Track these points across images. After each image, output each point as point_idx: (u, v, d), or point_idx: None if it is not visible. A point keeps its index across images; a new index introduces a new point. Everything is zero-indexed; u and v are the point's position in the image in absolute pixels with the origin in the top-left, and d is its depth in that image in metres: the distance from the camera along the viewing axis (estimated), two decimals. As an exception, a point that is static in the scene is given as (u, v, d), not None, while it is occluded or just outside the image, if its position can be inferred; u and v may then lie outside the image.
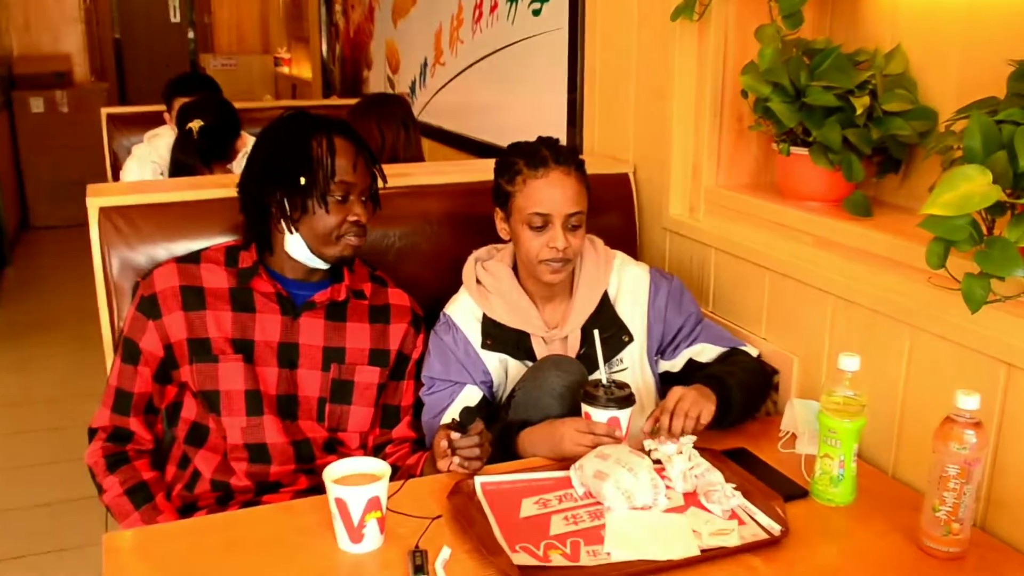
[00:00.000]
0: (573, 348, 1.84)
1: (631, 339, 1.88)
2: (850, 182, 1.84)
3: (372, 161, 1.77)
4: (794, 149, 1.91)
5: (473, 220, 2.08)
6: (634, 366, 1.88)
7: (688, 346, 1.90)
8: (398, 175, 2.25)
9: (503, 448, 1.70)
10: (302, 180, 1.69)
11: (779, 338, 1.94)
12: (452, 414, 1.79)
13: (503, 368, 1.86)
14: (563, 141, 2.72)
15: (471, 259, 1.94)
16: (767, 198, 2.01)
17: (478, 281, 1.88)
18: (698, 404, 1.64)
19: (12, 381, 4.35)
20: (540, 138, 1.85)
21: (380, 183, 1.81)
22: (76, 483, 3.35)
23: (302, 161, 1.69)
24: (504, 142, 3.33)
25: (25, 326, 5.08)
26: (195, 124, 3.08)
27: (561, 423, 1.67)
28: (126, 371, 1.75)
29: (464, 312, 1.87)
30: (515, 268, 1.88)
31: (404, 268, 2.08)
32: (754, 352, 1.91)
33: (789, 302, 1.90)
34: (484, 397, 1.85)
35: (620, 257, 1.95)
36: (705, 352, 1.90)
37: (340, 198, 1.70)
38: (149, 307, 1.74)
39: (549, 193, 1.76)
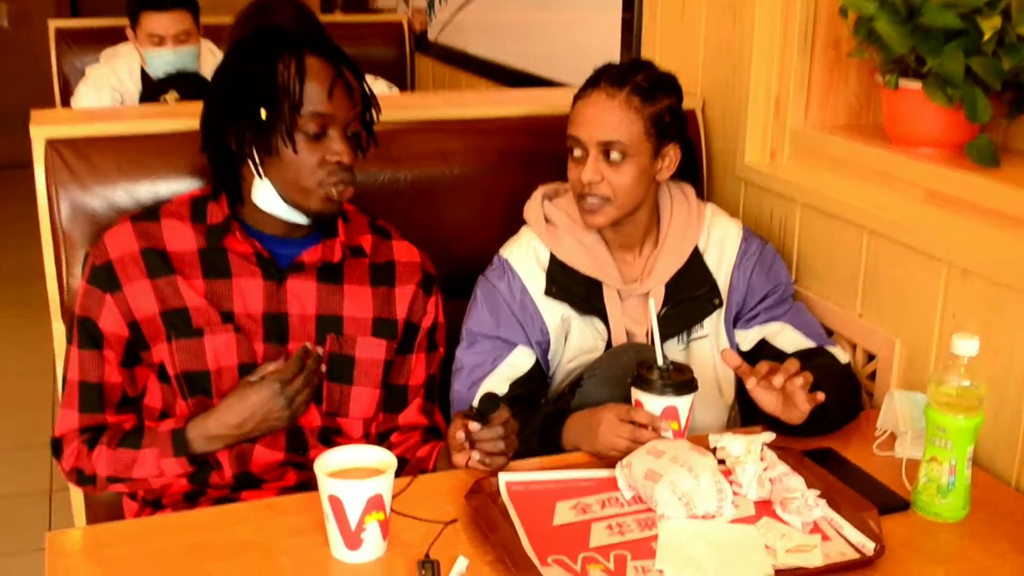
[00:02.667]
0: (654, 307, 1.82)
1: (721, 303, 1.92)
2: (973, 123, 1.82)
3: (359, 84, 1.75)
4: (903, 82, 1.89)
5: (505, 162, 2.08)
6: (714, 336, 1.92)
7: (767, 321, 1.92)
8: (409, 106, 2.25)
9: (550, 440, 1.72)
10: (263, 113, 1.67)
11: (877, 315, 1.93)
12: (493, 384, 1.82)
13: (564, 328, 1.89)
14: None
15: (537, 195, 1.97)
16: (868, 142, 2.00)
17: (546, 219, 1.92)
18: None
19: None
20: (632, 58, 1.92)
21: (374, 114, 1.78)
22: (9, 479, 3.39)
23: (264, 88, 1.66)
24: (542, 70, 3.39)
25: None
26: (171, 96, 3.10)
27: (603, 408, 1.68)
28: (88, 359, 1.74)
29: (525, 255, 1.91)
30: None
31: (415, 219, 2.08)
32: (843, 358, 1.91)
33: (892, 270, 1.88)
34: (537, 363, 1.87)
35: (711, 208, 1.99)
36: (784, 336, 1.91)
37: (314, 132, 1.67)
38: (105, 278, 1.73)
39: (585, 115, 1.82)
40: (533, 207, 1.95)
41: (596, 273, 1.88)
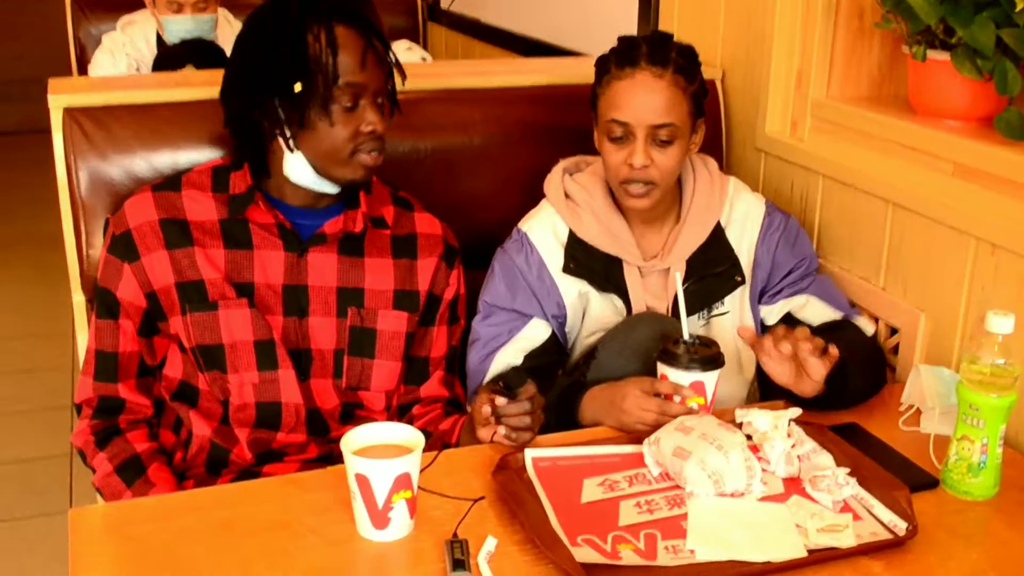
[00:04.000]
0: (674, 285, 1.76)
1: (743, 280, 1.84)
2: (1003, 95, 1.73)
3: (385, 51, 1.67)
4: (931, 53, 1.81)
5: (525, 132, 2.01)
6: (736, 312, 1.85)
7: (792, 295, 1.85)
8: (429, 75, 2.18)
9: (567, 414, 1.65)
10: (297, 87, 1.59)
11: (902, 289, 1.86)
12: (509, 355, 1.76)
13: (582, 303, 1.82)
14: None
15: (557, 169, 1.89)
16: (893, 114, 1.91)
17: (566, 195, 1.84)
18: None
19: (-41, 315, 4.36)
20: (652, 32, 1.80)
21: (398, 80, 1.71)
22: (35, 438, 3.35)
23: (296, 62, 1.58)
24: (557, 39, 3.30)
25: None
26: (188, 70, 3.02)
27: (626, 382, 1.62)
28: (104, 328, 1.68)
29: (544, 230, 1.84)
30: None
31: (435, 188, 2.01)
32: (869, 329, 1.85)
33: (917, 244, 1.81)
34: (553, 336, 1.81)
35: (734, 182, 1.91)
36: (810, 309, 1.84)
37: (348, 105, 1.61)
38: (123, 247, 1.66)
39: (631, 97, 1.71)
40: (553, 182, 1.87)
41: (616, 251, 1.81)
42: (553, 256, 1.82)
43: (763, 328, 1.86)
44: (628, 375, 1.66)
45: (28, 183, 5.73)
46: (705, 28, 2.36)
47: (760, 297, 1.87)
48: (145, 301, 1.67)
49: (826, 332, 1.73)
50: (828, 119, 2.04)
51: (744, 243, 1.86)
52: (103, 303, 1.68)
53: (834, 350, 1.56)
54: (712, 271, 1.82)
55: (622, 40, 1.78)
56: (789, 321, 1.82)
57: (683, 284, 1.75)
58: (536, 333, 1.80)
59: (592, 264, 1.81)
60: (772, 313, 1.86)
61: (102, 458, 1.68)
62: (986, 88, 1.77)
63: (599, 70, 1.77)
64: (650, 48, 1.72)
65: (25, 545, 2.84)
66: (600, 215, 1.81)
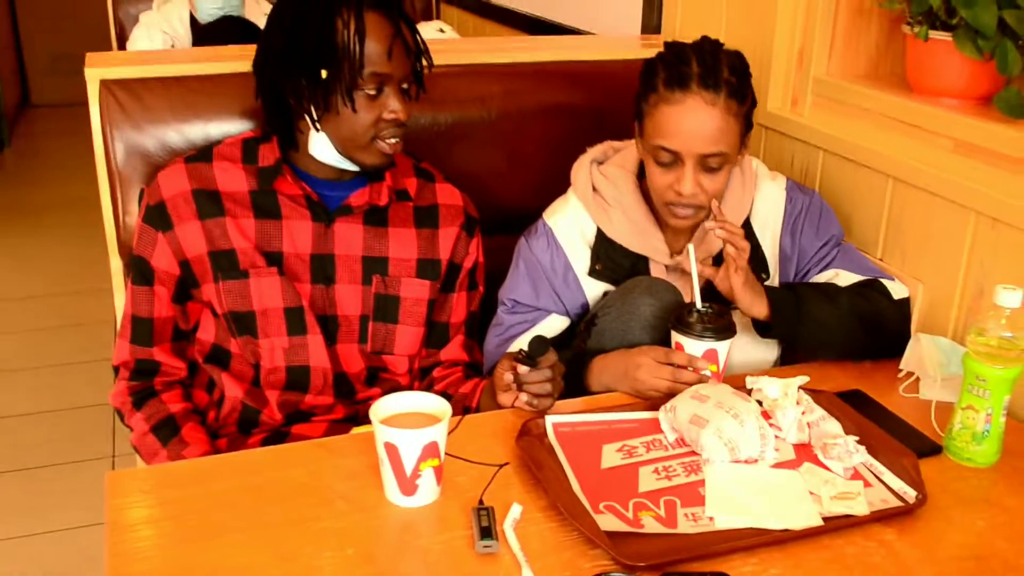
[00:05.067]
0: (699, 281, 1.57)
1: (768, 276, 1.66)
2: (1003, 74, 1.60)
3: (413, 37, 1.52)
4: (932, 33, 1.67)
5: (541, 107, 1.88)
6: None
7: (820, 271, 1.68)
8: (449, 51, 2.04)
9: (574, 380, 1.52)
10: (323, 73, 1.45)
11: (900, 260, 1.73)
12: (525, 341, 1.60)
13: None
14: (637, 18, 2.51)
15: (585, 160, 1.69)
16: (893, 92, 1.78)
17: (594, 189, 1.64)
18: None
19: (7, 274, 4.23)
20: (700, 41, 1.53)
21: (424, 65, 1.56)
22: (77, 390, 3.25)
23: (323, 48, 1.44)
24: (562, 17, 3.13)
25: (24, 213, 4.95)
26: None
27: (639, 351, 1.49)
28: (139, 294, 1.57)
29: (571, 227, 1.64)
30: (639, 174, 1.64)
31: (454, 160, 1.87)
32: (902, 291, 1.65)
33: (917, 217, 1.68)
34: (571, 325, 1.66)
35: (757, 168, 1.70)
36: (840, 279, 1.66)
37: (372, 92, 1.47)
38: (157, 217, 1.54)
39: (680, 124, 1.48)
40: (581, 174, 1.66)
41: (644, 250, 1.62)
42: (580, 257, 1.64)
43: None
44: (628, 341, 1.53)
45: (74, 150, 5.56)
46: (707, 7, 2.21)
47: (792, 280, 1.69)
48: (179, 269, 1.55)
49: (854, 289, 1.61)
50: (829, 96, 1.90)
51: (768, 232, 1.67)
52: (139, 270, 1.56)
53: (741, 243, 1.46)
54: None
55: (670, 51, 1.53)
56: None
57: (707, 282, 1.59)
58: (555, 324, 1.65)
59: (618, 265, 1.63)
60: None
61: (139, 418, 1.57)
62: (984, 68, 1.64)
63: (645, 83, 1.53)
64: (702, 68, 1.47)
65: (72, 487, 2.74)
66: (629, 213, 1.62)
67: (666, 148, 1.49)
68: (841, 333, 1.56)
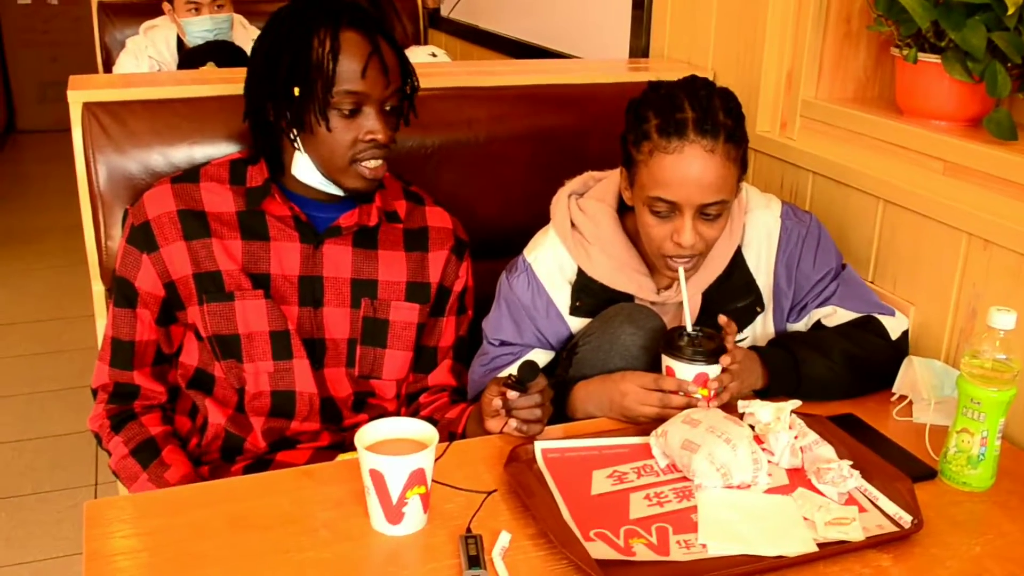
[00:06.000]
0: (692, 316, 1.53)
1: (763, 309, 1.61)
2: (992, 97, 1.60)
3: (396, 57, 1.49)
4: (921, 56, 1.67)
5: (528, 130, 1.87)
6: (754, 337, 1.62)
7: (818, 306, 1.62)
8: (436, 74, 2.03)
9: (555, 408, 1.48)
10: (296, 91, 1.43)
11: (891, 283, 1.72)
12: (510, 370, 1.58)
13: None
14: (625, 42, 2.50)
15: (563, 194, 1.61)
16: (883, 114, 1.77)
17: (573, 224, 1.58)
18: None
19: (-8, 299, 4.19)
20: (689, 81, 1.45)
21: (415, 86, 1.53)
22: (59, 417, 3.20)
23: (297, 65, 1.43)
24: (549, 42, 3.13)
25: (10, 238, 4.92)
26: (209, 67, 2.88)
27: (622, 377, 1.46)
28: (121, 317, 1.54)
29: (551, 266, 1.58)
30: (619, 207, 1.59)
31: (442, 183, 1.85)
32: (900, 325, 1.61)
33: (908, 240, 1.67)
34: (556, 356, 1.62)
35: (748, 193, 1.62)
36: (838, 316, 1.61)
37: (348, 111, 1.44)
38: (142, 238, 1.51)
39: (679, 175, 1.39)
40: (560, 209, 1.59)
41: (627, 288, 1.56)
42: (561, 295, 1.58)
43: None
44: (608, 368, 1.49)
45: (61, 176, 5.54)
46: (696, 30, 2.21)
47: (788, 314, 1.64)
48: (163, 291, 1.52)
49: (847, 330, 1.59)
50: (818, 119, 1.90)
51: (763, 263, 1.59)
52: (121, 292, 1.54)
53: (731, 358, 1.43)
54: (732, 305, 1.57)
55: (659, 94, 1.44)
56: (818, 327, 1.62)
57: (700, 320, 1.57)
58: (540, 358, 1.61)
59: (600, 301, 1.56)
60: (800, 328, 1.65)
61: (118, 441, 1.54)
62: (973, 90, 1.64)
63: (635, 129, 1.44)
64: (697, 112, 1.39)
65: (53, 516, 2.69)
66: (610, 250, 1.55)
67: (663, 199, 1.42)
68: (836, 385, 1.54)
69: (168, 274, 1.51)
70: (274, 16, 1.51)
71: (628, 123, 1.48)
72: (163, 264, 1.51)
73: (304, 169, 1.50)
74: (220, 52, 3.06)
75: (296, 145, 1.48)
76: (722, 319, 1.45)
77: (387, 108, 1.48)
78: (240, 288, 1.51)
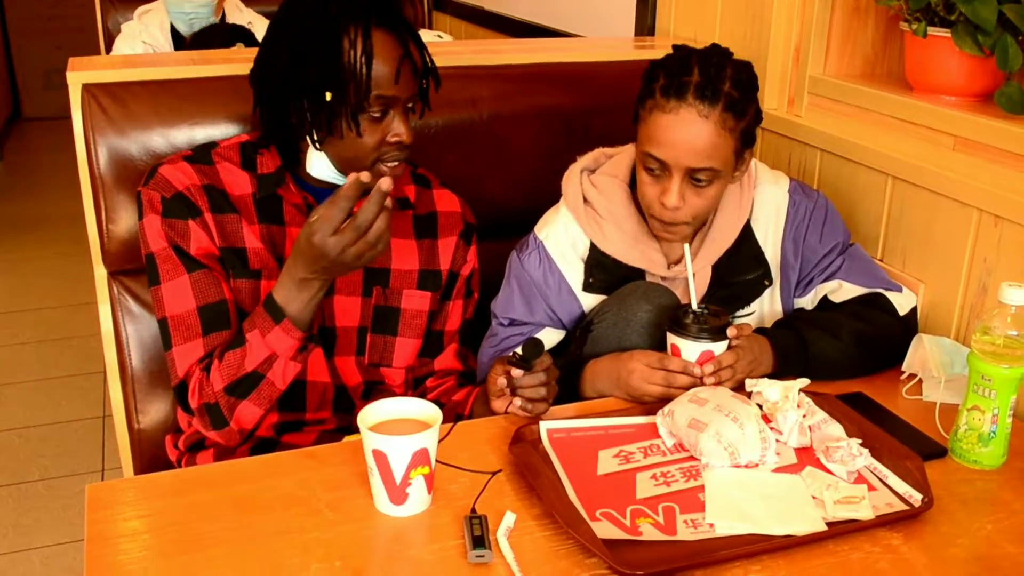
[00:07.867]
0: (700, 290, 1.55)
1: (771, 283, 1.60)
2: (1003, 71, 1.58)
3: (421, 56, 1.44)
4: (931, 30, 1.65)
5: (532, 108, 1.85)
6: (761, 311, 1.62)
7: (824, 280, 1.61)
8: (440, 54, 2.01)
9: (568, 387, 1.49)
10: (328, 95, 1.37)
11: (901, 260, 1.71)
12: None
13: None
14: (631, 20, 2.48)
15: (575, 169, 1.61)
16: (891, 90, 1.75)
17: (585, 200, 1.58)
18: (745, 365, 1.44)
19: (1, 286, 4.19)
20: (709, 49, 1.46)
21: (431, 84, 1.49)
22: (67, 403, 3.21)
23: (328, 70, 1.36)
24: (554, 22, 3.11)
25: (16, 226, 4.92)
26: (238, 49, 2.86)
27: (629, 356, 1.45)
28: (199, 280, 1.43)
29: (563, 242, 1.58)
30: (631, 183, 1.58)
31: (447, 163, 1.83)
32: (908, 301, 1.60)
33: (918, 216, 1.65)
34: (566, 336, 1.61)
35: (757, 168, 1.62)
36: (843, 292, 1.60)
37: (377, 115, 1.39)
38: (182, 206, 1.44)
39: (671, 134, 1.41)
40: (572, 185, 1.59)
41: (640, 262, 1.56)
42: (573, 272, 1.58)
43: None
44: (624, 346, 1.49)
45: (66, 164, 5.52)
46: (701, 7, 2.19)
47: (795, 288, 1.63)
48: (219, 252, 1.46)
49: (855, 308, 1.58)
50: (825, 95, 1.88)
51: (770, 237, 1.60)
52: (185, 258, 1.44)
53: (737, 331, 1.43)
54: (740, 277, 1.57)
55: (675, 56, 1.46)
56: (827, 306, 1.61)
57: (709, 292, 1.57)
58: (551, 337, 1.60)
59: (613, 278, 1.57)
60: (806, 303, 1.63)
61: (212, 368, 1.41)
62: (983, 64, 1.62)
63: (645, 86, 1.46)
64: (702, 77, 1.39)
65: (60, 503, 2.70)
66: (622, 224, 1.55)
67: (654, 156, 1.44)
68: (845, 365, 1.53)
69: (215, 239, 1.46)
70: (291, 4, 1.43)
71: (642, 80, 1.49)
72: (209, 229, 1.45)
73: (319, 165, 1.45)
74: (225, 34, 3.03)
75: (315, 145, 1.43)
76: (731, 331, 1.43)
77: (409, 106, 1.44)
78: (266, 267, 1.47)
